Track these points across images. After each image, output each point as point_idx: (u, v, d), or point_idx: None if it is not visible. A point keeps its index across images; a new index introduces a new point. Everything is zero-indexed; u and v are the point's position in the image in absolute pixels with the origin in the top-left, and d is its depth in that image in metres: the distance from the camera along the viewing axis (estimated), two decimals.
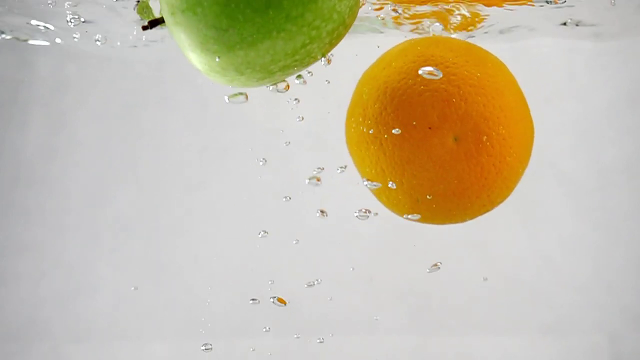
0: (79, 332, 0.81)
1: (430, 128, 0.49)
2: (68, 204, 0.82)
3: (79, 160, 0.83)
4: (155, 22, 0.48)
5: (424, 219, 0.53)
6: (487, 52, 0.54)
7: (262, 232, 0.71)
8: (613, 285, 0.79)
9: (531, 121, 0.53)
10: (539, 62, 0.79)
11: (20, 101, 0.83)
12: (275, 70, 0.45)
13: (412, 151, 0.49)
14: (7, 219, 0.82)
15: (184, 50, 0.45)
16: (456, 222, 0.54)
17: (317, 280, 0.71)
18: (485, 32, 0.67)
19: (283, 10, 0.41)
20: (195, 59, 0.44)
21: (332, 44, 0.46)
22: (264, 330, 0.78)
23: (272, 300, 0.70)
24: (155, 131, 0.83)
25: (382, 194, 0.53)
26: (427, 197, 0.50)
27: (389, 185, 0.51)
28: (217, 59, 0.43)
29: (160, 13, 0.45)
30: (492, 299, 0.79)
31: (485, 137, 0.48)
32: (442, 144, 0.49)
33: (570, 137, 0.80)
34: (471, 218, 0.54)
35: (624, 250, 0.79)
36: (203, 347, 0.72)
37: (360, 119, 0.52)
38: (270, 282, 0.73)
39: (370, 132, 0.51)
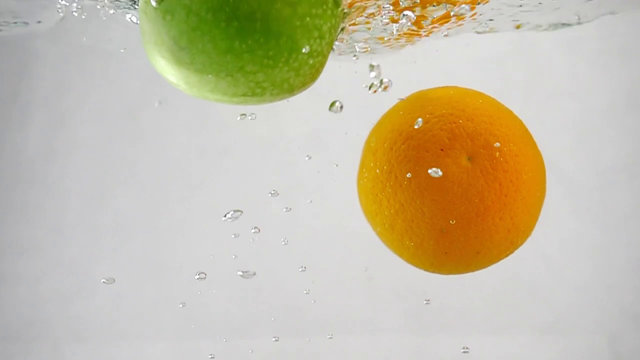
0: (79, 332, 0.81)
1: (442, 150, 0.49)
2: (68, 204, 0.82)
3: (79, 160, 0.83)
4: None
5: (452, 261, 0.52)
6: (485, 94, 0.55)
7: (255, 229, 0.70)
8: (613, 285, 0.79)
9: (540, 154, 0.53)
10: (539, 61, 0.79)
11: (20, 101, 0.83)
12: (209, 97, 0.45)
13: (429, 176, 0.49)
14: (7, 219, 0.82)
15: (142, 33, 0.44)
16: (484, 260, 0.52)
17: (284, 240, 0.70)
18: (486, 32, 0.67)
19: (240, 61, 0.41)
20: (149, 49, 0.44)
21: (272, 102, 0.46)
22: (264, 330, 0.78)
23: None
24: (155, 131, 0.83)
25: (405, 235, 0.52)
26: (451, 222, 0.49)
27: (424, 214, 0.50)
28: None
29: None
30: (492, 299, 0.79)
31: (497, 152, 0.49)
32: (456, 164, 0.49)
33: (570, 137, 0.80)
34: (499, 252, 0.52)
35: (624, 250, 0.79)
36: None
37: (372, 164, 0.52)
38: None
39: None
